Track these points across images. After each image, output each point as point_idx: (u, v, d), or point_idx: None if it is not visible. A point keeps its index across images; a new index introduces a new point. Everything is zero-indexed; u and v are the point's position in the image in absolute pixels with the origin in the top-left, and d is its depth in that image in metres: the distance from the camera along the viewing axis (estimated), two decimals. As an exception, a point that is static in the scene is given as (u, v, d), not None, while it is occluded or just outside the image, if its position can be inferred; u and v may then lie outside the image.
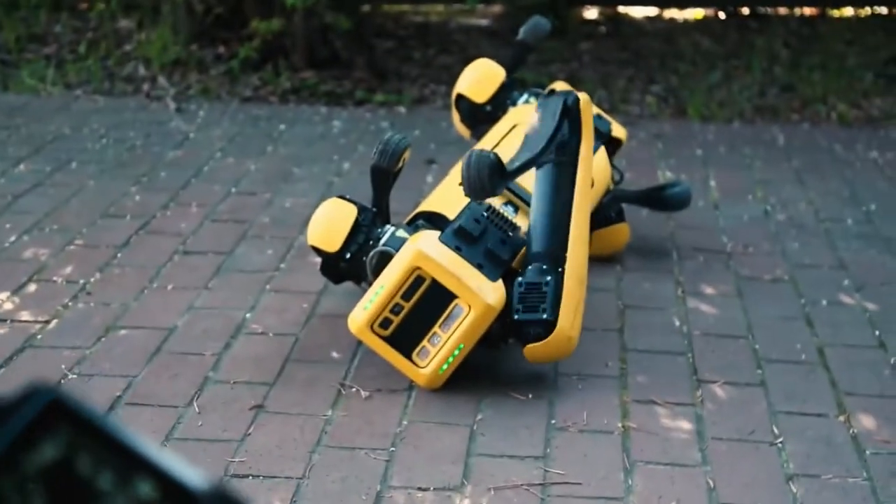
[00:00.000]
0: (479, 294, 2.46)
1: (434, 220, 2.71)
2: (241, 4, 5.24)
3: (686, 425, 2.46)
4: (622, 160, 4.07)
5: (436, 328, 2.49)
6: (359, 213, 2.69)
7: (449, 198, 2.77)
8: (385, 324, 2.48)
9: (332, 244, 2.67)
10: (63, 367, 2.63)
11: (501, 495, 2.20)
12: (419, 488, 2.21)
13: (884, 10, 6.39)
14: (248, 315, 2.90)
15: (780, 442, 2.41)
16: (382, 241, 2.64)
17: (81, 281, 3.07)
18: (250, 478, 2.23)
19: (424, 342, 2.50)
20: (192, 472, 0.67)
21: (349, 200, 2.73)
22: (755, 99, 5.02)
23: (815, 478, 2.28)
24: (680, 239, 3.43)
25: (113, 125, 4.45)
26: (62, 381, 2.56)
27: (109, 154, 4.10)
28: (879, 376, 2.68)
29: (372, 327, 2.48)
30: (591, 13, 6.47)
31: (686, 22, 6.36)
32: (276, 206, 3.64)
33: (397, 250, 2.56)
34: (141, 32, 5.52)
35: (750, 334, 2.86)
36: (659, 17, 6.43)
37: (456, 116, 3.39)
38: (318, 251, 2.72)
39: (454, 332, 2.48)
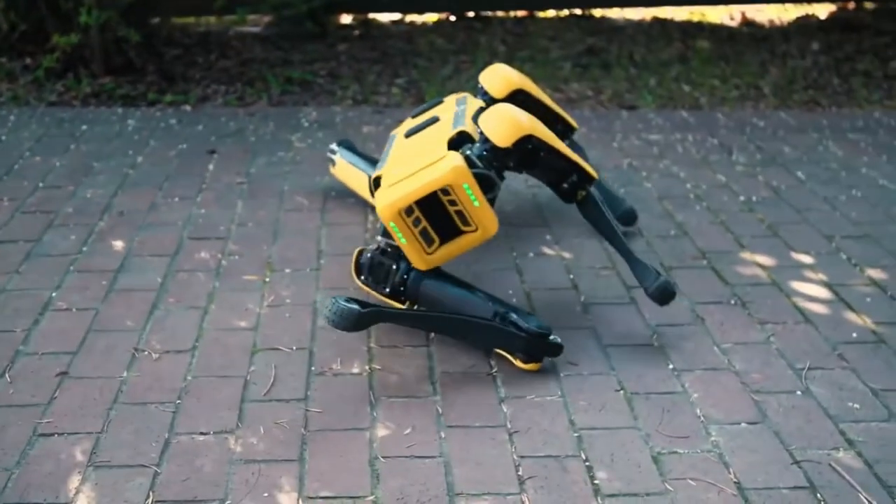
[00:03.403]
0: None
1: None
2: (43, 21, 5.01)
3: (421, 363, 2.51)
4: (369, 143, 4.09)
5: None
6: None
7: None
8: None
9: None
10: None
11: (270, 434, 2.20)
12: (201, 433, 2.19)
13: (578, 11, 6.56)
14: (54, 294, 2.80)
15: (496, 371, 2.48)
16: None
17: None
18: (55, 436, 2.17)
19: None
20: None
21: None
22: (479, 87, 5.09)
23: (521, 398, 2.37)
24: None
25: (-68, 131, 4.22)
26: None
27: (-71, 157, 3.89)
28: (572, 312, 2.78)
29: None
30: (347, 19, 6.43)
31: (424, 24, 6.40)
32: (79, 196, 3.51)
33: None
34: (-45, 48, 5.24)
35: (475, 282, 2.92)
36: (402, 21, 6.44)
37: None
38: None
39: None
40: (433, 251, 2.53)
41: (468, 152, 2.61)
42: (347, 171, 3.40)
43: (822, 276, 3.00)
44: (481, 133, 2.61)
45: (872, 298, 2.87)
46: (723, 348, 2.59)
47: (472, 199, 2.48)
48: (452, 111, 2.97)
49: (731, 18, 6.57)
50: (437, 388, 2.40)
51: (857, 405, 2.36)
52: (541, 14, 6.54)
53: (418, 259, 2.53)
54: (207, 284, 2.88)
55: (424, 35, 6.08)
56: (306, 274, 2.95)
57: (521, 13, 6.52)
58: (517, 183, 3.72)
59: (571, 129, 3.30)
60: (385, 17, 6.48)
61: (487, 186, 2.58)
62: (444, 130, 2.78)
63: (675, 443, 2.21)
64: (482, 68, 5.32)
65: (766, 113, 4.70)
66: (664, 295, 2.60)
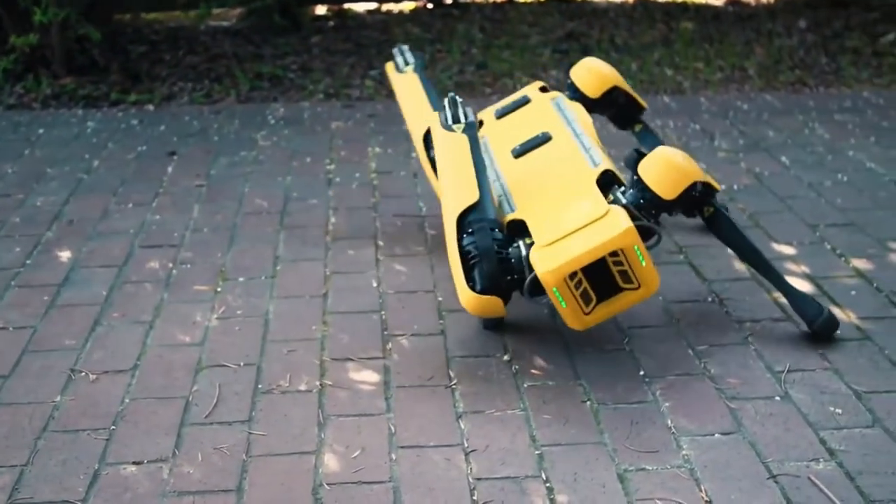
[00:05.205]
0: None
1: None
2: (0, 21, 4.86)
3: (376, 376, 2.36)
4: (337, 140, 3.94)
5: None
6: None
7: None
8: None
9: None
10: None
11: (208, 461, 2.06)
12: (133, 462, 2.05)
13: (559, -6, 6.41)
14: (-9, 312, 2.67)
15: (455, 384, 2.33)
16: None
17: None
18: (-24, 471, 2.03)
19: None
20: None
21: None
22: (455, 77, 4.94)
23: (480, 413, 2.22)
24: (382, 207, 3.32)
25: None
26: None
27: None
28: (539, 315, 2.63)
29: None
30: (322, 10, 6.27)
31: (401, 13, 6.24)
32: (28, 205, 3.37)
33: None
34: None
35: (435, 289, 2.78)
36: (378, 11, 6.29)
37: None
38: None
39: None
40: (591, 310, 2.34)
41: (624, 201, 2.44)
42: (411, 90, 3.08)
43: (804, 269, 2.85)
44: (639, 180, 2.44)
45: (857, 291, 2.72)
46: (697, 351, 2.45)
47: (640, 259, 2.29)
48: (558, 121, 2.80)
49: (717, -3, 6.41)
50: (391, 404, 2.25)
51: (839, 410, 2.21)
52: (520, -1, 6.37)
53: (575, 320, 2.33)
54: (155, 296, 2.73)
55: (400, 24, 5.92)
56: (260, 283, 2.81)
57: (500, -2, 6.36)
58: (488, 177, 3.57)
59: (642, 110, 3.16)
60: (361, 7, 6.32)
61: (647, 237, 2.42)
62: (576, 161, 2.61)
63: (643, 458, 2.07)
64: (458, 58, 5.19)
65: (750, 95, 4.54)
66: (829, 330, 2.47)
